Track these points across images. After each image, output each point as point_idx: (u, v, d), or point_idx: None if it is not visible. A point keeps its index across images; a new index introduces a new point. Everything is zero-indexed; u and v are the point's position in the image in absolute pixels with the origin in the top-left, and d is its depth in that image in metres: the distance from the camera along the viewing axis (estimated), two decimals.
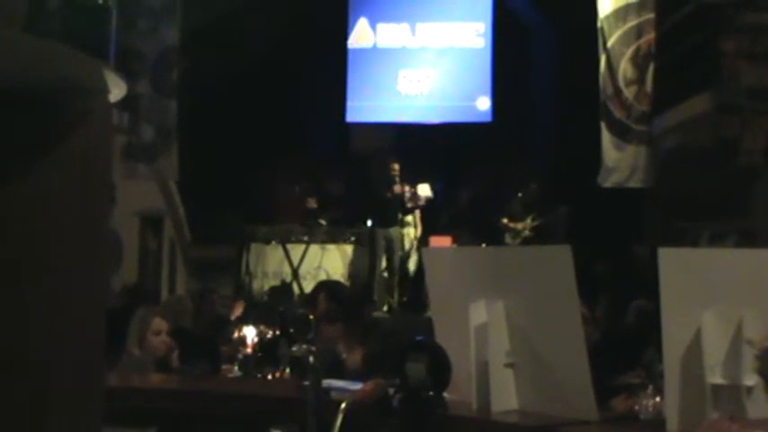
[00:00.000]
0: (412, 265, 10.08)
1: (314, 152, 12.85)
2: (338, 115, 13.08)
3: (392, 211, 9.96)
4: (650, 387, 2.39)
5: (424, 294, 8.78)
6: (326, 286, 5.92)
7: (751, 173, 7.79)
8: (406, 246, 10.09)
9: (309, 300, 6.82)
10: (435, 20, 13.20)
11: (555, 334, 2.50)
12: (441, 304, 2.88)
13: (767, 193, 7.74)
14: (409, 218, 10.18)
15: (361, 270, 10.39)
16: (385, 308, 9.71)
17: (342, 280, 10.23)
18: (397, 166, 10.01)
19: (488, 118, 12.99)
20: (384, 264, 9.88)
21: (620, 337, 5.12)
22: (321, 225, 10.92)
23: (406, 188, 10.05)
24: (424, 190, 10.09)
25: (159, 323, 4.18)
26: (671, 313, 2.19)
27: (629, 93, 9.58)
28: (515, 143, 12.64)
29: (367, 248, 10.15)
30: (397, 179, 9.96)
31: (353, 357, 4.09)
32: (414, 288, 9.65)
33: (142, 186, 10.00)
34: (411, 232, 10.22)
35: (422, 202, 10.13)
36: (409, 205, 10.11)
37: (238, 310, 7.08)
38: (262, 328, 4.79)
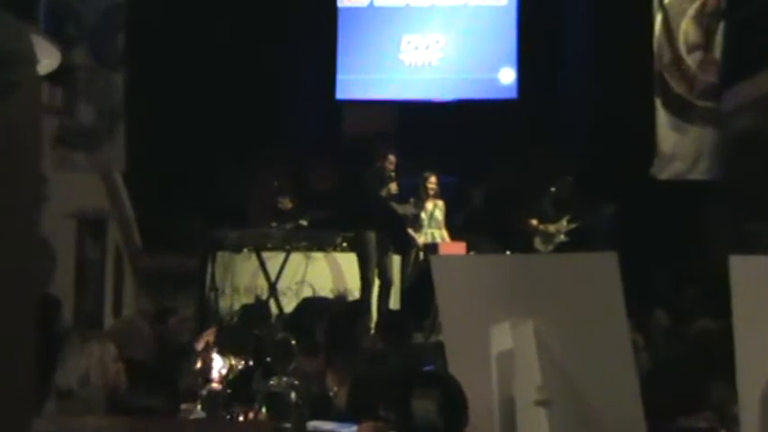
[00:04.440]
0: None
1: (296, 137, 12.85)
2: (326, 92, 13.08)
3: (392, 211, 9.98)
4: None
5: (433, 313, 8.81)
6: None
7: None
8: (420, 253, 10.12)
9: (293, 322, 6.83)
10: None
11: (599, 363, 2.50)
12: (454, 326, 2.89)
13: None
14: (435, 214, 10.21)
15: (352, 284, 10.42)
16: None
17: (330, 295, 10.24)
18: (393, 158, 10.01)
19: (513, 94, 13.00)
20: (374, 274, 9.90)
21: (682, 366, 5.12)
22: (304, 228, 10.90)
23: (431, 179, 10.13)
24: None
25: (112, 348, 4.18)
26: (746, 337, 2.18)
27: (691, 61, 9.56)
28: (547, 125, 12.65)
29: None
30: (393, 174, 9.97)
31: (343, 392, 4.10)
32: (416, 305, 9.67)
33: (80, 180, 9.99)
34: (434, 233, 10.26)
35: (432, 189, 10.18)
36: (431, 192, 10.17)
37: (208, 339, 7.07)
38: (231, 357, 4.78)
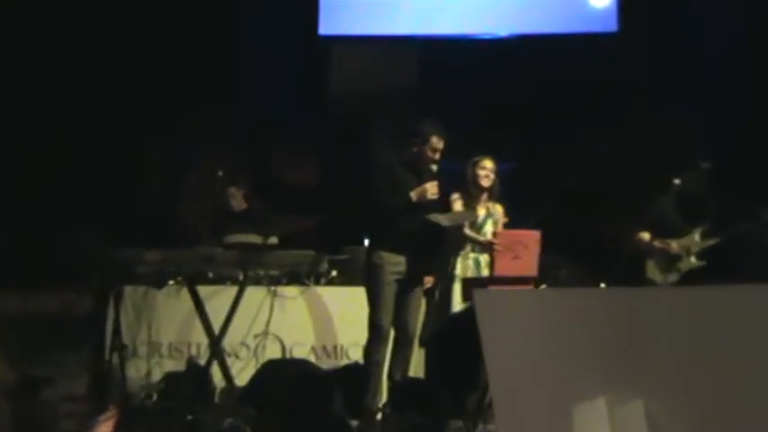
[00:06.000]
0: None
1: (257, 97, 12.90)
2: (303, 25, 13.16)
3: (430, 223, 10.00)
4: None
5: (482, 385, 8.80)
6: None
7: None
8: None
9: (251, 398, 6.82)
10: None
11: None
12: (514, 405, 2.86)
13: None
14: (487, 225, 10.28)
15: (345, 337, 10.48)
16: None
17: (311, 357, 10.27)
18: (437, 142, 9.98)
19: (611, 26, 13.08)
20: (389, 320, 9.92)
21: None
22: (269, 246, 10.93)
23: (484, 165, 10.19)
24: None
25: None
26: None
27: None
28: (664, 75, 12.68)
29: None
30: (434, 168, 9.96)
31: None
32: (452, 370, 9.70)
33: None
34: (482, 260, 10.31)
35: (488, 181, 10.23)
36: (484, 185, 10.33)
37: (107, 427, 7.16)
38: None
